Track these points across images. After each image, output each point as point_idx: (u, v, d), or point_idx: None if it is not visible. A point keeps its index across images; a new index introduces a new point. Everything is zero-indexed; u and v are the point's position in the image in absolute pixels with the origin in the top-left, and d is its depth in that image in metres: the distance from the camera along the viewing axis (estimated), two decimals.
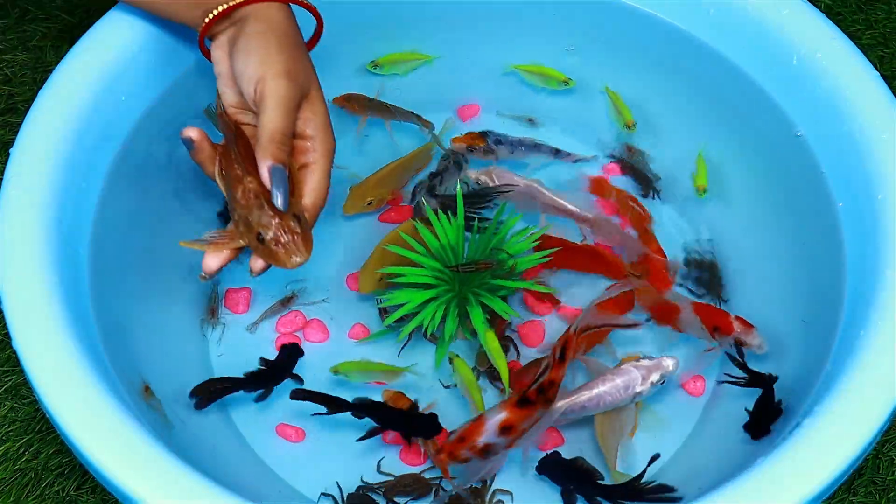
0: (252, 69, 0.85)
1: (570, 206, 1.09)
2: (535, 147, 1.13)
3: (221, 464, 0.93)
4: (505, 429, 0.92)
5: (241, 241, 0.85)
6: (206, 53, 0.92)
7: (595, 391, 0.96)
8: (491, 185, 1.09)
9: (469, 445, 0.92)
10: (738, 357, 0.98)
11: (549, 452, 0.96)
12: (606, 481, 0.94)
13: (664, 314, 1.02)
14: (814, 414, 0.81)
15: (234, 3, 0.87)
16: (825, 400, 0.82)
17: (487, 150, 1.11)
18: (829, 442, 0.80)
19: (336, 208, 1.09)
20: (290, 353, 1.01)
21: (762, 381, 0.95)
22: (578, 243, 1.07)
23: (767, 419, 0.93)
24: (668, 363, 0.97)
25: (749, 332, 0.99)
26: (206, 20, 0.88)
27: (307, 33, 0.93)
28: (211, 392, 0.98)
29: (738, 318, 0.99)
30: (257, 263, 0.85)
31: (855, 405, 0.81)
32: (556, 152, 1.13)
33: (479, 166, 1.11)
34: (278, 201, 0.82)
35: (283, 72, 0.84)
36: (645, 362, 0.97)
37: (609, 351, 1.02)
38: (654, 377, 0.96)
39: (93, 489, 1.06)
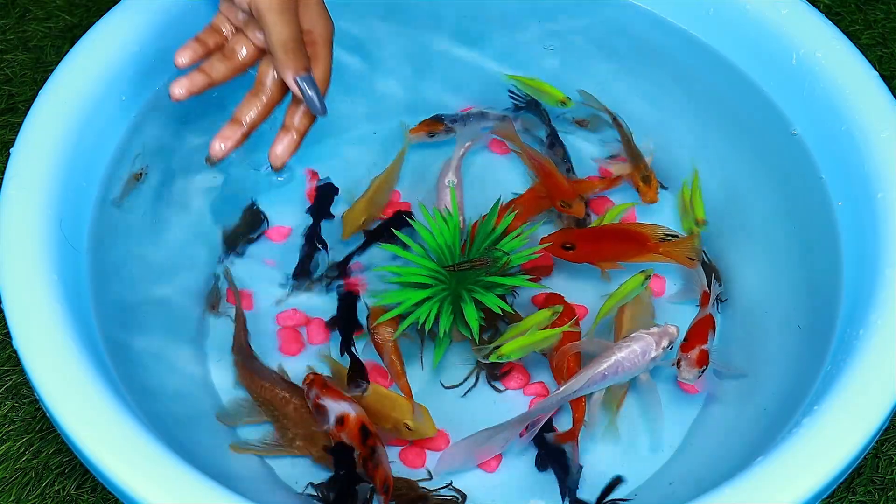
0: None
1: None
2: (482, 115, 1.13)
3: (222, 463, 0.93)
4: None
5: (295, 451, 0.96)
6: None
7: (613, 358, 0.95)
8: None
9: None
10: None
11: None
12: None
13: (703, 296, 1.03)
14: (813, 413, 0.81)
15: None
16: (825, 399, 0.82)
17: (448, 129, 1.13)
18: (828, 441, 0.80)
19: (338, 205, 1.10)
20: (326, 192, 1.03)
21: None
22: (602, 226, 1.06)
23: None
24: (672, 329, 0.98)
25: (692, 367, 0.97)
26: None
27: None
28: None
29: (703, 351, 0.97)
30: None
31: (854, 405, 0.81)
32: (503, 118, 1.13)
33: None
34: (316, 106, 0.85)
35: None
36: (654, 329, 0.97)
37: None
38: (664, 342, 0.97)
39: (93, 488, 1.06)
